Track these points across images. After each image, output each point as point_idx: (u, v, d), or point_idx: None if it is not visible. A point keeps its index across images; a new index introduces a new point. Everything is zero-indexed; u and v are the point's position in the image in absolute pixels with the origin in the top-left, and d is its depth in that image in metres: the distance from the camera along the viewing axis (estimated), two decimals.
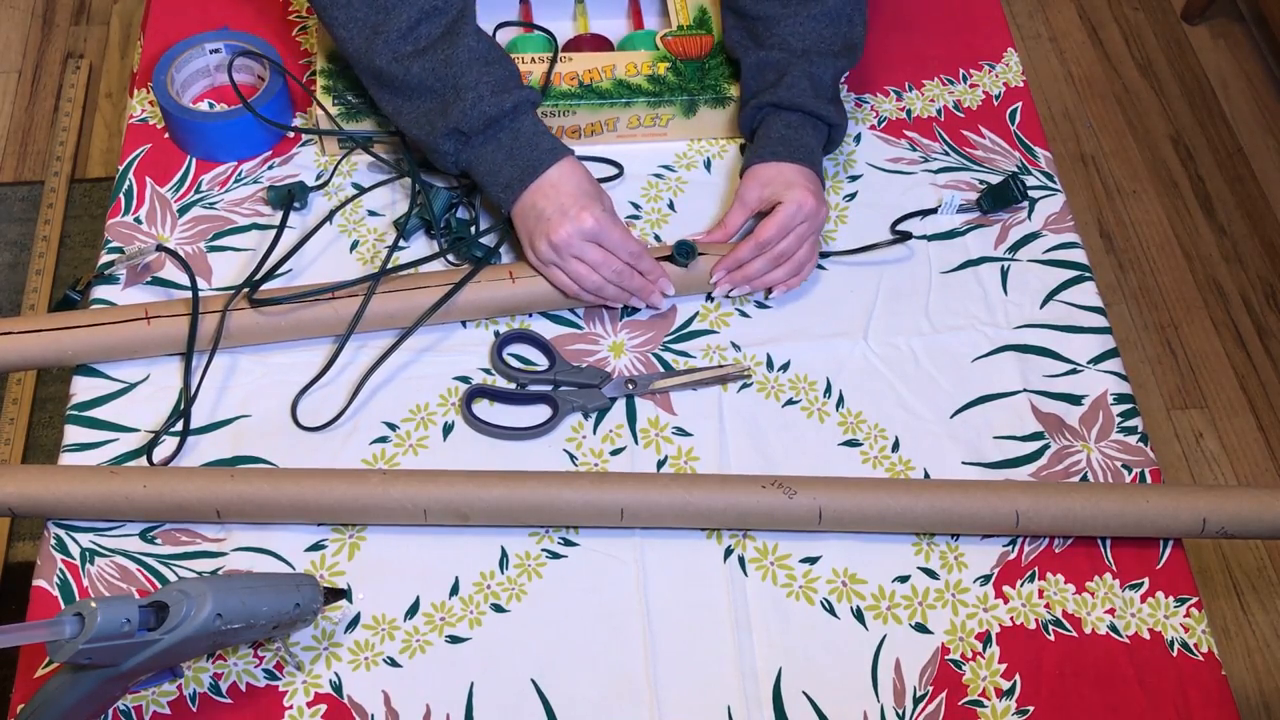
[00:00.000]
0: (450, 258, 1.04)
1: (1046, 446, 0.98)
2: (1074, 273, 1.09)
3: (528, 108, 1.00)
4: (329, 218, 1.07)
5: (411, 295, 0.99)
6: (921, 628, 0.89)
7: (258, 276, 0.99)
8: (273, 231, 1.05)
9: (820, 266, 1.07)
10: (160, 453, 0.94)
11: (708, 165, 1.14)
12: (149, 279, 1.03)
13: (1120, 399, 1.01)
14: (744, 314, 1.05)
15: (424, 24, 0.97)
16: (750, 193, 1.04)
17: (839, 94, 1.10)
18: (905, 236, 1.08)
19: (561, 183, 0.98)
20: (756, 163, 1.05)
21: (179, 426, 0.95)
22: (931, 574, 0.92)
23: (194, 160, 1.11)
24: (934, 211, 1.11)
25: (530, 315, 1.04)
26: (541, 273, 1.00)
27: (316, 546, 0.91)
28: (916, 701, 0.86)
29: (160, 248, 1.00)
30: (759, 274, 1.02)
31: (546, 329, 1.03)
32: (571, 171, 0.99)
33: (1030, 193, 1.13)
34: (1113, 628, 0.90)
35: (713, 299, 1.05)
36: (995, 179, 1.14)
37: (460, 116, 0.97)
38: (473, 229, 1.06)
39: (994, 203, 1.10)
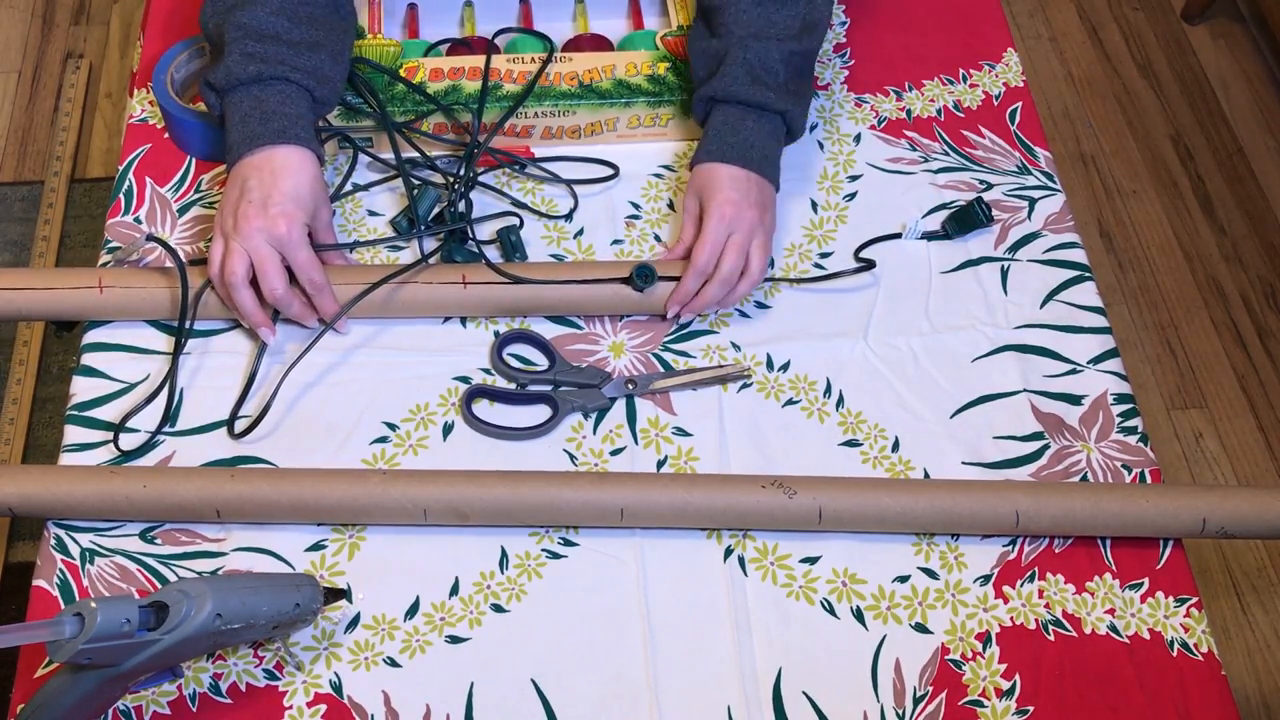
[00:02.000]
0: (457, 258, 1.04)
1: (1046, 446, 0.98)
2: (1074, 273, 1.09)
3: (280, 86, 0.97)
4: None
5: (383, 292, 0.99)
6: (921, 628, 0.89)
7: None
8: None
9: (820, 266, 1.07)
10: (144, 429, 0.94)
11: None
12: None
13: (1120, 399, 1.01)
14: (744, 314, 1.05)
15: None
16: (690, 201, 1.02)
17: (800, 76, 1.06)
18: (868, 265, 1.06)
19: (281, 175, 0.94)
20: (694, 164, 1.03)
21: (165, 425, 0.95)
22: (931, 574, 0.92)
23: (194, 160, 1.11)
24: (898, 236, 1.09)
25: (527, 316, 1.03)
26: (213, 237, 0.96)
27: (316, 546, 0.91)
28: (916, 701, 0.86)
29: (150, 237, 1.01)
30: (715, 299, 1.00)
31: (546, 329, 1.03)
32: (295, 168, 0.95)
33: (1030, 193, 1.13)
34: (1113, 628, 0.90)
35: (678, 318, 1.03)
36: (994, 179, 1.14)
37: (214, 68, 0.98)
38: (470, 227, 1.05)
39: (959, 227, 1.09)
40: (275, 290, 0.95)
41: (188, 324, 0.97)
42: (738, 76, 1.01)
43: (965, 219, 1.09)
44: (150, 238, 1.00)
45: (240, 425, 0.95)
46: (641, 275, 0.99)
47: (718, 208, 0.99)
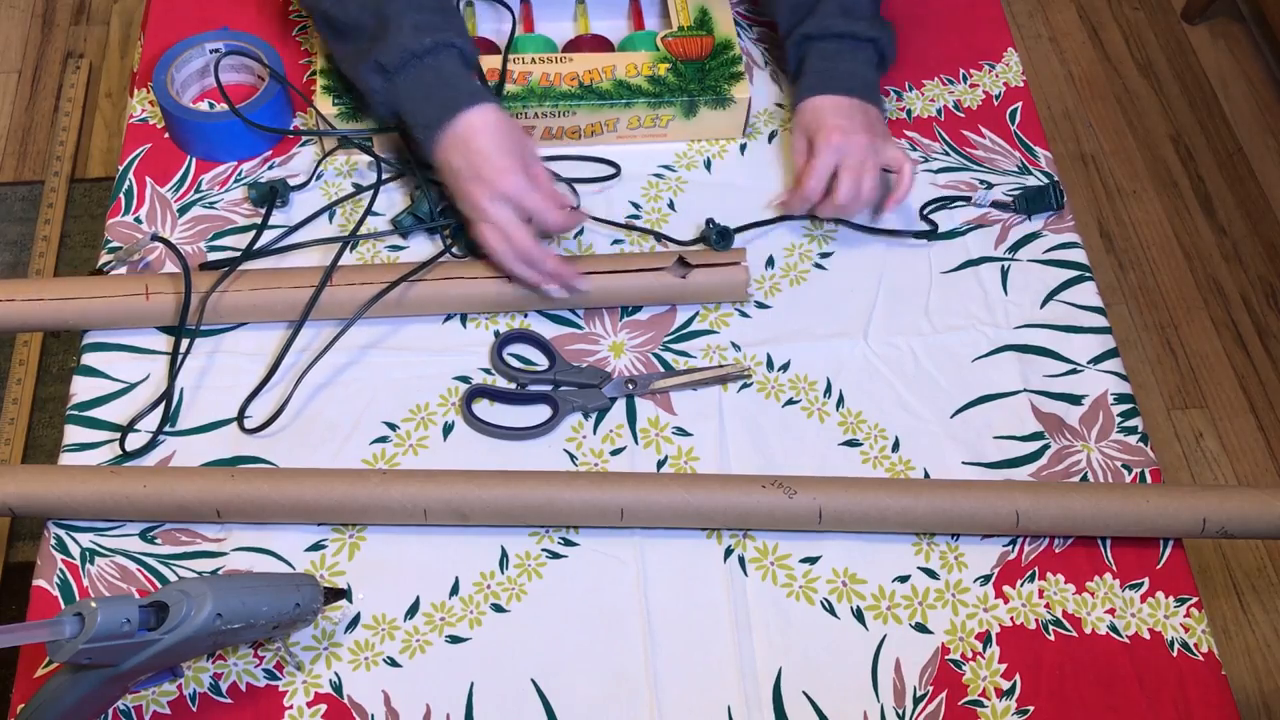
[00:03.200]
0: (455, 250, 1.05)
1: (1046, 446, 0.98)
2: (1074, 273, 1.09)
3: (452, 51, 0.99)
4: (327, 215, 1.07)
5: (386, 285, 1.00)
6: (921, 628, 0.90)
7: (241, 256, 1.01)
8: (271, 231, 1.05)
9: (820, 266, 1.07)
10: (145, 429, 0.94)
11: (708, 165, 1.14)
12: (140, 269, 1.03)
13: (1120, 399, 1.01)
14: (744, 314, 1.05)
15: None
16: (799, 140, 1.07)
17: (877, 9, 1.10)
18: (932, 230, 1.08)
19: (472, 138, 0.96)
20: (797, 102, 1.07)
21: (161, 421, 0.95)
22: (931, 574, 0.92)
23: (194, 160, 1.11)
24: (968, 200, 1.11)
25: (527, 314, 1.03)
26: (476, 228, 0.98)
27: (316, 546, 0.91)
28: (916, 701, 0.86)
29: (155, 237, 1.01)
30: (829, 214, 1.05)
31: (547, 329, 1.03)
32: (486, 125, 0.97)
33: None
34: (1113, 628, 0.90)
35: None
36: (995, 179, 1.14)
37: (382, 50, 0.97)
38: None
39: (1029, 205, 1.11)
40: (527, 247, 0.96)
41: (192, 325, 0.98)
42: (831, 11, 1.06)
43: (1038, 199, 1.11)
44: (155, 237, 1.01)
45: (252, 421, 0.96)
46: (720, 234, 1.03)
47: (826, 135, 1.02)
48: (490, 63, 1.10)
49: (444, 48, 0.99)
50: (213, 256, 1.05)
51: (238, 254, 1.03)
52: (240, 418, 0.96)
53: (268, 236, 1.05)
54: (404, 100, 0.99)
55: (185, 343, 0.98)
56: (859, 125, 1.04)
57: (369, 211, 1.07)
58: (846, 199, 1.03)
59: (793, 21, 1.10)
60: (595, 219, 1.08)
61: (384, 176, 1.09)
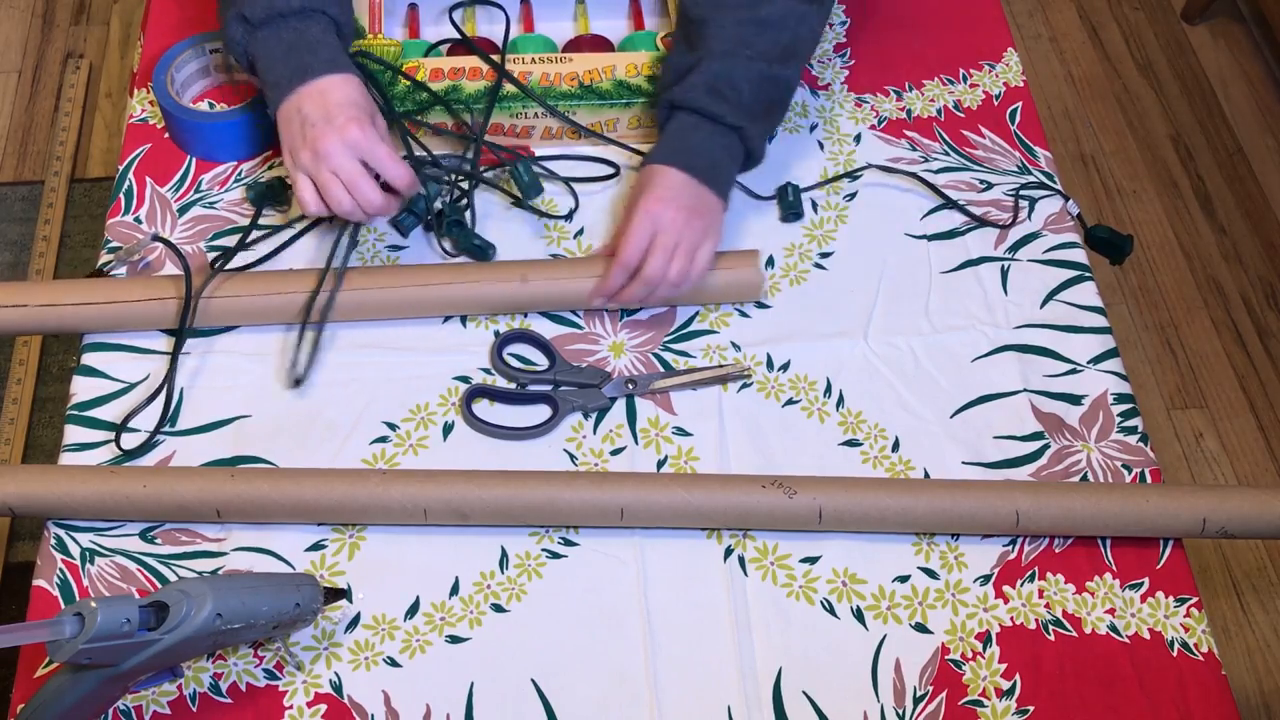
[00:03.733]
0: (447, 246, 1.05)
1: (1046, 446, 0.98)
2: (1074, 273, 1.09)
3: (322, 17, 0.98)
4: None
5: (387, 288, 1.00)
6: (921, 628, 0.89)
7: (230, 252, 1.02)
8: (272, 231, 1.05)
9: (820, 266, 1.07)
10: (144, 429, 0.94)
11: None
12: (139, 269, 1.03)
13: (1120, 399, 1.01)
14: (744, 314, 1.05)
15: None
16: (631, 201, 1.01)
17: (769, 103, 1.04)
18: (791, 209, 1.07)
19: (330, 91, 0.95)
20: (645, 163, 1.02)
21: (163, 425, 0.95)
22: (931, 574, 0.92)
23: (194, 160, 1.11)
24: (1067, 201, 1.12)
25: (527, 315, 1.03)
26: (294, 181, 0.97)
27: (316, 546, 0.91)
28: (916, 701, 0.86)
29: (156, 237, 1.01)
30: (637, 298, 0.99)
31: (547, 329, 1.03)
32: (344, 83, 0.96)
33: (1030, 193, 1.13)
34: (1113, 628, 0.90)
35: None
36: (995, 179, 1.14)
37: (249, 2, 0.96)
38: (468, 215, 1.06)
39: (1100, 245, 1.10)
40: (373, 203, 0.96)
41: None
42: (696, 85, 1.00)
43: (1112, 245, 1.10)
44: (156, 237, 1.01)
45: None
46: (795, 192, 1.06)
47: (643, 204, 0.98)
48: (483, 62, 1.10)
49: (314, 13, 0.97)
50: (213, 256, 1.05)
51: (240, 251, 1.03)
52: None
53: (275, 238, 1.05)
54: (260, 55, 0.98)
55: (183, 343, 0.98)
56: (684, 204, 0.97)
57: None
58: (652, 274, 0.97)
59: (666, 82, 1.04)
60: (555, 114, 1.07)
61: None
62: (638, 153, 1.12)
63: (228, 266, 1.02)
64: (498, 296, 1.01)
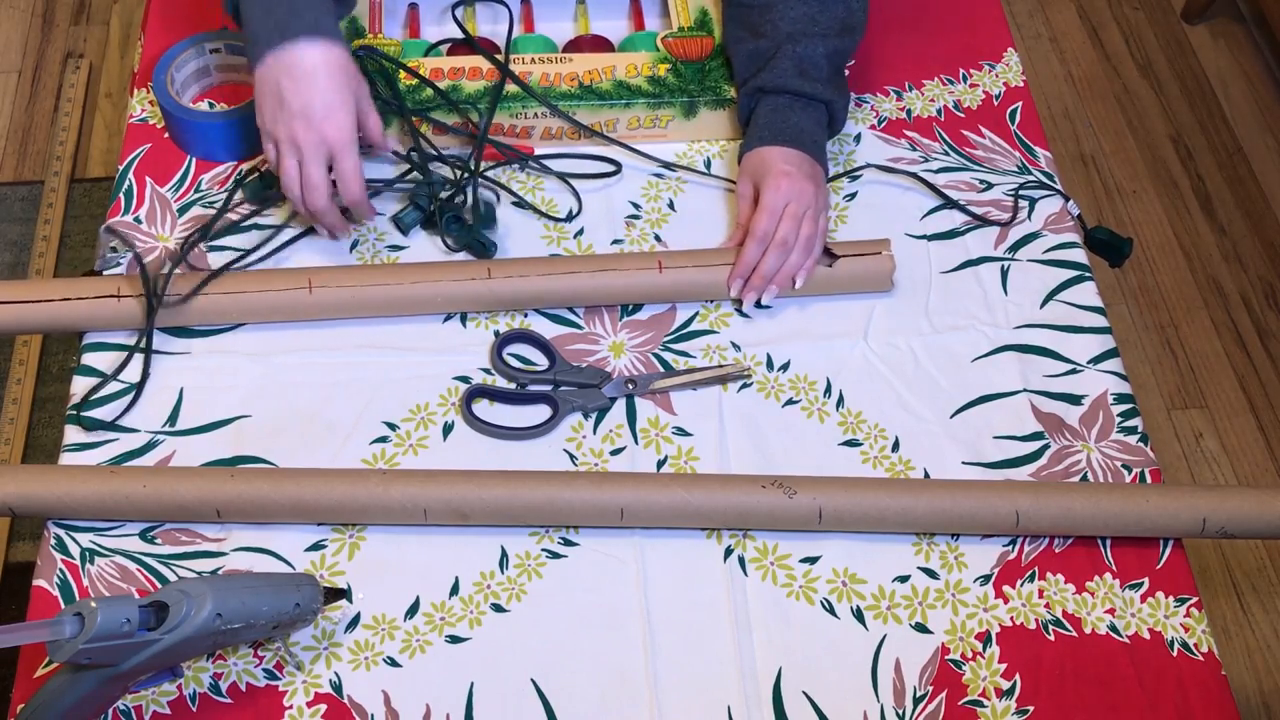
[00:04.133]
0: (449, 242, 1.05)
1: (1046, 446, 0.98)
2: (1074, 273, 1.09)
3: None
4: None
5: (383, 287, 1.00)
6: (921, 628, 0.89)
7: (193, 241, 1.03)
8: (272, 231, 1.06)
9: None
10: (145, 429, 0.94)
11: (708, 165, 1.14)
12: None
13: (1120, 399, 1.01)
14: (744, 314, 1.05)
15: None
16: (744, 186, 1.06)
17: (839, 73, 1.09)
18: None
19: (314, 76, 0.95)
20: (745, 151, 1.07)
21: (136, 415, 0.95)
22: (931, 574, 0.92)
23: (194, 160, 1.11)
24: (1067, 201, 1.12)
25: (527, 314, 1.03)
26: (264, 145, 0.99)
27: (316, 546, 0.91)
28: (916, 701, 0.86)
29: (107, 229, 1.01)
30: (774, 269, 1.02)
31: (547, 329, 1.03)
32: (325, 55, 0.95)
33: (1030, 193, 1.13)
34: (1113, 628, 0.90)
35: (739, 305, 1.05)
36: (995, 179, 1.14)
37: None
38: (467, 215, 1.06)
39: (1099, 247, 1.11)
40: (318, 204, 0.98)
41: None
42: (787, 69, 1.05)
43: (1110, 247, 1.11)
44: (108, 229, 1.01)
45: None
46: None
47: (774, 180, 1.02)
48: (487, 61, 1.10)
49: None
50: (211, 256, 1.05)
51: (238, 254, 1.04)
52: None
53: (265, 236, 1.05)
54: (244, 3, 0.96)
55: (149, 338, 0.99)
56: (805, 174, 1.03)
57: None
58: (785, 237, 1.01)
59: (748, 71, 1.08)
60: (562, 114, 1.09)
61: (381, 177, 1.09)
62: (640, 153, 1.12)
63: (230, 266, 1.02)
64: (641, 287, 1.02)
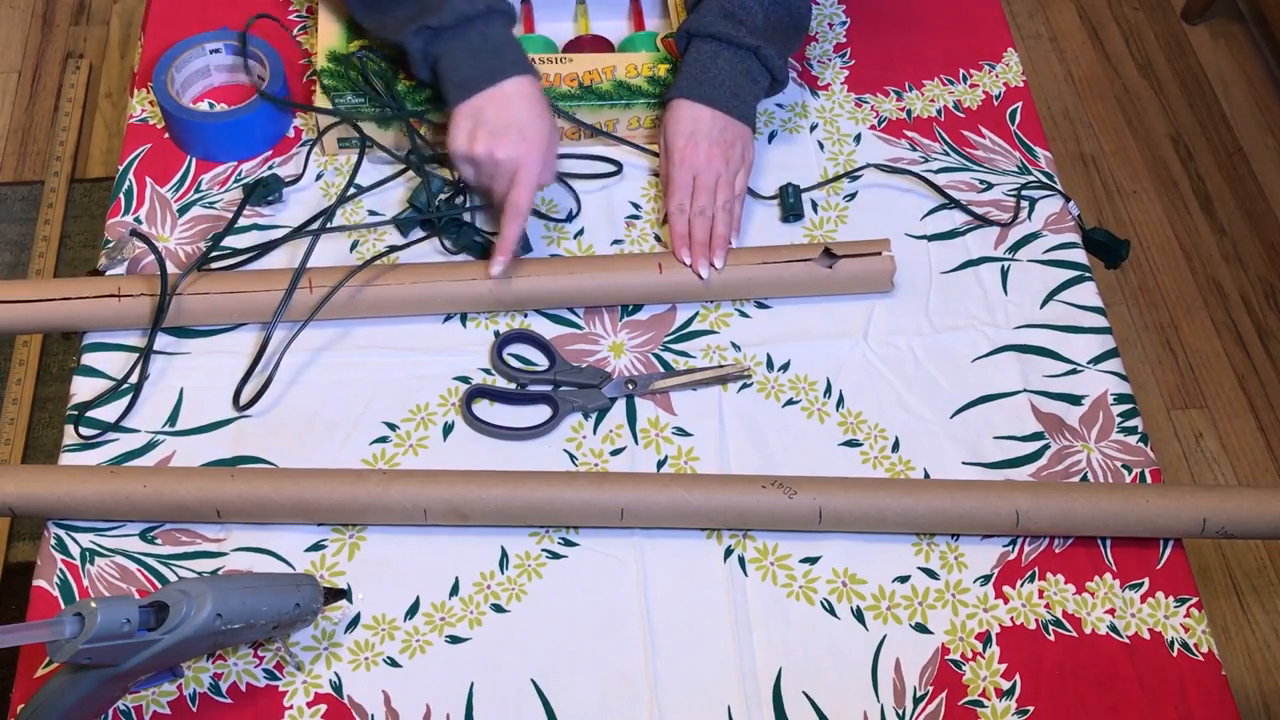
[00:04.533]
0: (447, 244, 1.05)
1: (1046, 446, 0.98)
2: (1074, 273, 1.09)
3: (502, 18, 1.01)
4: (329, 215, 1.07)
5: (387, 285, 1.00)
6: (921, 628, 0.89)
7: (211, 247, 1.02)
8: (272, 231, 1.06)
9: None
10: (145, 429, 0.94)
11: None
12: (139, 268, 1.03)
13: (1120, 399, 1.01)
14: (744, 314, 1.05)
15: None
16: (661, 138, 1.06)
17: (781, 27, 1.08)
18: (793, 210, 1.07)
19: (515, 99, 0.98)
20: (667, 99, 1.06)
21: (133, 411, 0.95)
22: (931, 574, 0.92)
23: (194, 160, 1.11)
24: (1068, 201, 1.12)
25: (527, 315, 1.03)
26: (456, 161, 1.02)
27: (316, 546, 0.91)
28: (916, 701, 0.86)
29: (133, 233, 1.01)
30: (706, 236, 1.02)
31: (547, 329, 1.03)
32: (529, 87, 0.99)
33: (1030, 193, 1.13)
34: (1113, 628, 0.90)
35: (712, 302, 1.04)
36: (995, 179, 1.14)
37: (434, 13, 0.98)
38: (466, 215, 1.06)
39: (1096, 248, 1.11)
40: (511, 225, 0.98)
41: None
42: (711, 10, 1.04)
43: (1108, 249, 1.10)
44: (134, 233, 1.01)
45: (245, 399, 0.97)
46: (795, 193, 1.06)
47: (676, 152, 1.03)
48: None
49: (496, 13, 1.00)
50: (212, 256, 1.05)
51: (237, 253, 1.04)
52: (237, 394, 0.97)
53: (265, 235, 1.05)
54: (446, 56, 1.00)
55: (155, 339, 0.99)
56: (713, 139, 1.02)
57: (352, 181, 1.08)
58: (703, 207, 1.02)
59: (685, 10, 1.09)
60: (583, 126, 1.10)
61: (382, 176, 1.09)
62: (647, 151, 1.12)
63: (241, 265, 1.02)
64: (639, 287, 1.02)
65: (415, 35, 1.00)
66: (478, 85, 0.98)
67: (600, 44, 1.18)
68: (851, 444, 0.98)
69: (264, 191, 1.07)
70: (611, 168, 1.12)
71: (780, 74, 1.07)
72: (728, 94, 1.04)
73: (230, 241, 1.06)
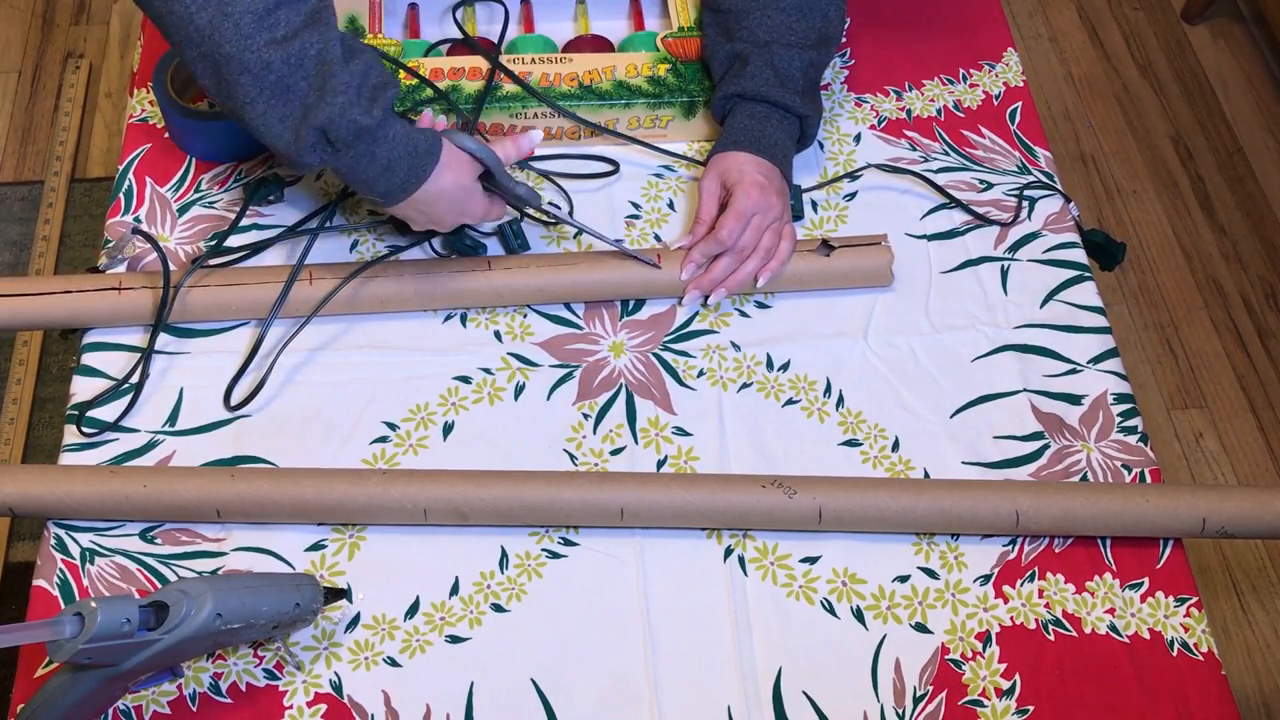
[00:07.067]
0: (435, 246, 1.05)
1: (1046, 446, 0.98)
2: (1074, 273, 1.09)
3: (391, 109, 0.89)
4: (328, 214, 1.07)
5: (387, 279, 1.01)
6: (921, 627, 0.89)
7: (214, 246, 1.02)
8: (272, 230, 1.06)
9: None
10: (145, 429, 0.94)
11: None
12: (139, 267, 1.03)
13: (1120, 399, 1.01)
14: (744, 314, 1.05)
15: (283, 8, 0.82)
16: (710, 182, 1.05)
17: (814, 87, 1.09)
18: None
19: (438, 198, 0.93)
20: (718, 151, 1.06)
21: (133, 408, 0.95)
22: (931, 574, 0.92)
23: (194, 160, 1.11)
24: (1068, 201, 1.12)
25: (527, 314, 1.03)
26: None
27: (316, 546, 0.91)
28: (916, 701, 0.86)
29: (135, 230, 1.01)
30: (724, 275, 1.02)
31: (547, 329, 1.03)
32: (446, 179, 0.93)
33: (1031, 193, 1.13)
34: (1113, 628, 0.90)
35: (706, 304, 1.04)
36: (995, 179, 1.14)
37: (328, 123, 0.84)
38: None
39: (1093, 250, 1.11)
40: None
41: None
42: (766, 78, 1.05)
43: (1104, 251, 1.11)
44: (135, 230, 1.01)
45: (236, 398, 0.97)
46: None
47: (746, 188, 1.02)
48: (482, 62, 1.10)
49: (389, 111, 0.88)
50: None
51: (237, 253, 1.04)
52: (228, 393, 0.97)
53: (265, 235, 1.05)
54: (352, 173, 0.89)
55: (159, 337, 0.99)
56: (775, 189, 1.03)
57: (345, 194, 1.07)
58: (745, 245, 1.02)
59: (725, 73, 1.08)
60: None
61: None
62: (654, 148, 1.12)
63: (241, 260, 1.02)
64: (639, 282, 1.03)
65: (310, 150, 0.86)
66: (405, 191, 0.91)
67: (600, 44, 1.18)
68: (851, 444, 0.98)
69: (264, 191, 1.07)
70: (608, 167, 1.12)
71: (812, 139, 1.10)
72: (781, 154, 1.06)
73: (231, 240, 1.05)
